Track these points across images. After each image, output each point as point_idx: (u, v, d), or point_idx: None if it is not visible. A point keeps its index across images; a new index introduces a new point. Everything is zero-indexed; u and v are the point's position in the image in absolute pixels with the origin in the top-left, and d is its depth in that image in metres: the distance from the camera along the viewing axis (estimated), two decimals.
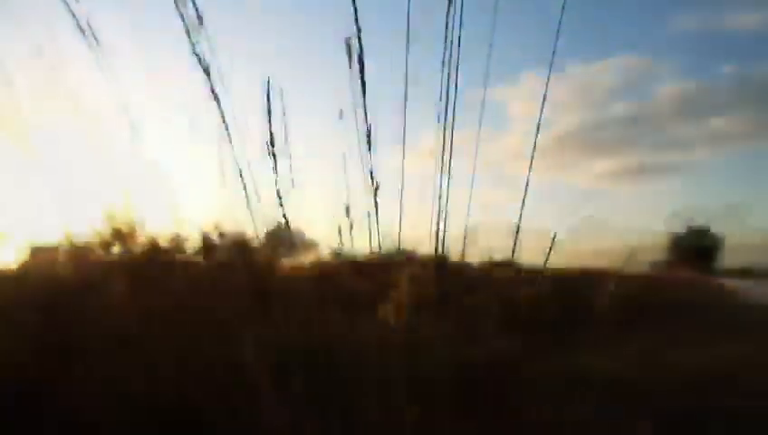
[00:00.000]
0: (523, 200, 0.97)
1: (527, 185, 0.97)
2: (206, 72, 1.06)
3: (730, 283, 15.59)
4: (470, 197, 0.98)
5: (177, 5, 0.89)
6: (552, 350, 2.88)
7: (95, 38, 0.95)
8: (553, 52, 0.84)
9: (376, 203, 0.95)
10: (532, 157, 0.97)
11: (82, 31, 0.93)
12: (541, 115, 0.96)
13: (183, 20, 0.93)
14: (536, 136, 0.96)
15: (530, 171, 0.97)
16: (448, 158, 0.93)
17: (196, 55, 1.04)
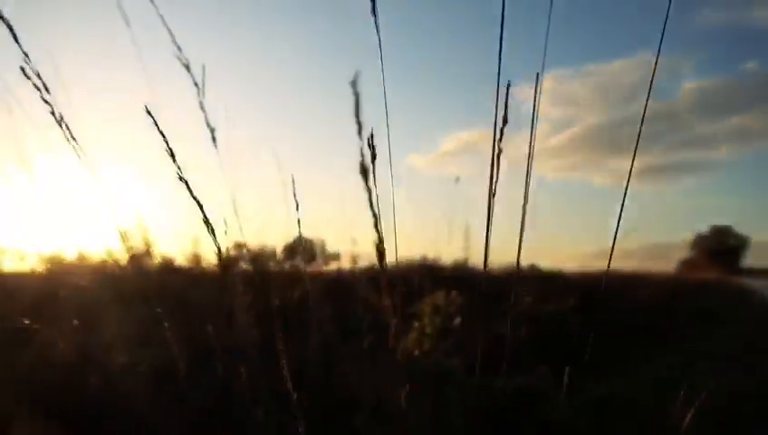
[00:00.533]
0: (620, 213, 0.83)
1: (625, 195, 0.83)
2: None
3: (755, 283, 15.15)
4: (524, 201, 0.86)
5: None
6: (581, 377, 2.72)
7: (69, 131, 0.86)
8: None
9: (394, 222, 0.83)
10: (632, 164, 0.82)
11: (59, 123, 0.84)
12: (643, 119, 0.81)
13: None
14: (638, 136, 0.81)
15: (628, 182, 0.83)
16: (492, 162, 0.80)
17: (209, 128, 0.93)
